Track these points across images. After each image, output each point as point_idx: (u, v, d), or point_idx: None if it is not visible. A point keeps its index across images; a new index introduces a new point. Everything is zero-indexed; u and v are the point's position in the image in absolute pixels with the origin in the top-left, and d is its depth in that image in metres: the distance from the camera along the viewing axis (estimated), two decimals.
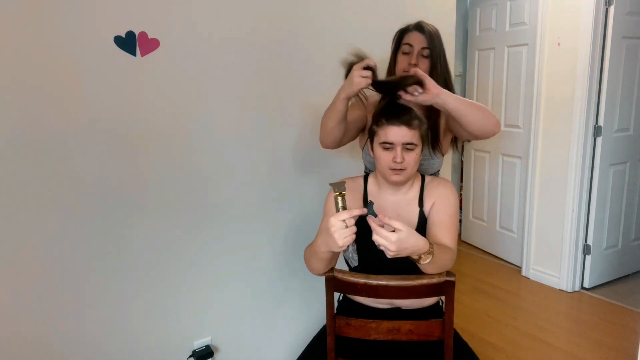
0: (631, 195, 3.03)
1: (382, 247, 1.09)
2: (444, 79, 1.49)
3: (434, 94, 1.29)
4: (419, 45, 1.49)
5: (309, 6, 1.75)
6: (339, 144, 1.54)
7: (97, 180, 1.42)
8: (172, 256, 1.60)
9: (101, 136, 1.41)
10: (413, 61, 1.48)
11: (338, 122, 1.42)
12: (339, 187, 1.13)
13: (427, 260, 1.15)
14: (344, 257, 1.38)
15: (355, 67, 1.30)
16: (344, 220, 1.09)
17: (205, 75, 1.57)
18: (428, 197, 1.38)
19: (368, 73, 1.29)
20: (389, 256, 1.09)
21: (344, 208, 1.13)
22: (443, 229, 1.30)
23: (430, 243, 1.16)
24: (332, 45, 1.81)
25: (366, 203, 1.40)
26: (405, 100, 1.32)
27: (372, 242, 1.10)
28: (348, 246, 1.13)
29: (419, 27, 1.50)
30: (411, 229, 1.11)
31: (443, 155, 1.64)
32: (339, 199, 1.12)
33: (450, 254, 1.25)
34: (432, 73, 1.47)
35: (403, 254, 1.10)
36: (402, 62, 1.51)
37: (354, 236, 1.11)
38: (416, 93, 1.29)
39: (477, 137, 1.46)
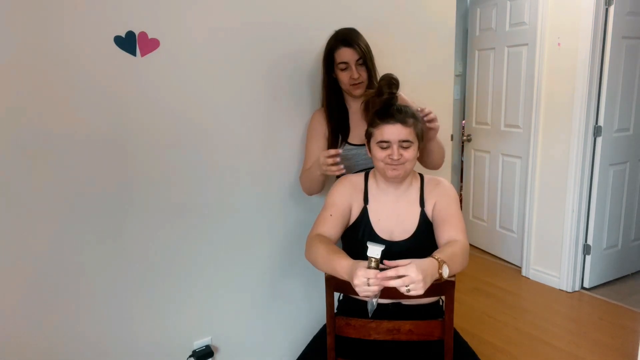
0: (631, 195, 3.03)
1: (411, 288, 1.04)
2: (374, 72, 1.64)
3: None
4: (353, 59, 1.57)
5: (312, 6, 1.74)
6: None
7: (97, 180, 1.42)
8: (172, 256, 1.60)
9: (101, 136, 1.41)
10: (355, 75, 1.58)
11: (321, 181, 1.63)
12: (374, 251, 1.10)
13: (447, 271, 1.12)
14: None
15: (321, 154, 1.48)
16: (368, 279, 1.05)
17: (206, 75, 1.57)
18: (429, 198, 1.40)
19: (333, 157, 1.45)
20: (421, 293, 1.05)
21: (376, 269, 1.08)
22: (449, 224, 1.31)
23: (432, 256, 1.14)
24: None
25: (366, 200, 1.41)
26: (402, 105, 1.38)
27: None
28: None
29: (345, 42, 1.58)
30: (415, 259, 1.09)
31: None
32: (373, 260, 1.09)
33: (459, 247, 1.23)
34: (370, 75, 1.61)
35: (429, 281, 1.07)
36: (343, 77, 1.61)
37: (374, 292, 1.08)
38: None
39: (425, 165, 1.72)
